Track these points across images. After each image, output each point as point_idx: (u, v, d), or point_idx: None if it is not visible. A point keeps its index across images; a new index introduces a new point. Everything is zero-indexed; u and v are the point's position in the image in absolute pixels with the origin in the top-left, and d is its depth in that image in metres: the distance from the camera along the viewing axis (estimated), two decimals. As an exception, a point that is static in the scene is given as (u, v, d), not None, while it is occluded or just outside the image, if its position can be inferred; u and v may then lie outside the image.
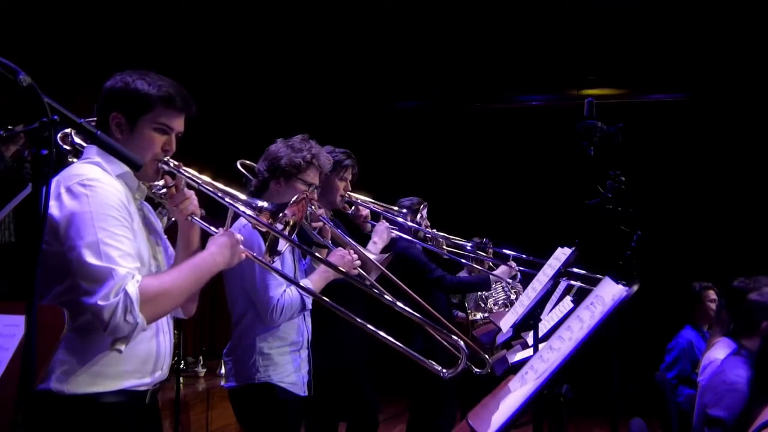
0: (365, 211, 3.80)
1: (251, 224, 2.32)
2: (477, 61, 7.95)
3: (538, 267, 4.30)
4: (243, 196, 2.22)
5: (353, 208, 3.75)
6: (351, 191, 3.71)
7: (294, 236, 2.35)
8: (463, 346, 2.20)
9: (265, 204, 2.19)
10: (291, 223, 2.28)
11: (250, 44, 7.29)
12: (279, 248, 2.28)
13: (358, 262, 3.10)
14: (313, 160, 3.08)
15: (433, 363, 2.25)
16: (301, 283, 2.82)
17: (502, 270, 4.51)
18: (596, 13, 6.83)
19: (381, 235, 3.66)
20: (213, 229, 2.18)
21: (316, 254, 2.82)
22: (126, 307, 1.84)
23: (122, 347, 1.94)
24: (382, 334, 2.31)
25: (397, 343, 2.29)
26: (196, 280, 2.05)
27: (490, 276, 4.61)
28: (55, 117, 1.29)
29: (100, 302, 1.82)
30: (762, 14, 6.51)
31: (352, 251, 3.10)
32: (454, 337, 2.26)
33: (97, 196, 1.91)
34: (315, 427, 3.71)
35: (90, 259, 1.85)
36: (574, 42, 7.39)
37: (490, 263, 5.00)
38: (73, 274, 1.87)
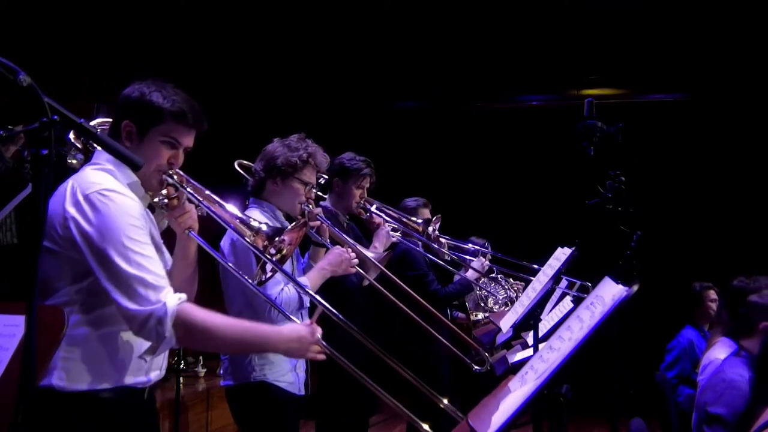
0: (378, 219, 3.87)
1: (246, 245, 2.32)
2: (477, 61, 7.95)
3: (519, 268, 4.40)
4: (242, 216, 2.23)
5: (368, 215, 3.83)
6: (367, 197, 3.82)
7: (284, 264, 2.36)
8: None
9: (263, 227, 2.21)
10: (284, 251, 2.31)
11: (249, 44, 7.29)
12: (268, 269, 2.29)
13: (356, 261, 3.10)
14: (309, 159, 3.09)
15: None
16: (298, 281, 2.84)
17: (475, 266, 4.53)
18: (596, 13, 6.83)
19: (381, 239, 3.70)
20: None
21: (287, 272, 2.76)
22: (160, 318, 1.89)
23: (148, 357, 2.02)
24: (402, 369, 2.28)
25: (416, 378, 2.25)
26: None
27: (469, 279, 4.65)
28: (55, 117, 1.30)
29: (137, 307, 1.89)
30: (762, 14, 6.51)
31: (349, 249, 3.11)
32: (455, 411, 2.22)
33: (118, 207, 1.95)
34: (325, 425, 3.73)
35: (124, 265, 1.89)
36: (574, 42, 7.40)
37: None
38: (104, 281, 1.91)
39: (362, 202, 3.76)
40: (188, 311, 1.95)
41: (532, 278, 3.57)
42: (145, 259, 1.93)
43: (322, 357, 2.17)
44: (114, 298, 1.90)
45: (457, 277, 5.47)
